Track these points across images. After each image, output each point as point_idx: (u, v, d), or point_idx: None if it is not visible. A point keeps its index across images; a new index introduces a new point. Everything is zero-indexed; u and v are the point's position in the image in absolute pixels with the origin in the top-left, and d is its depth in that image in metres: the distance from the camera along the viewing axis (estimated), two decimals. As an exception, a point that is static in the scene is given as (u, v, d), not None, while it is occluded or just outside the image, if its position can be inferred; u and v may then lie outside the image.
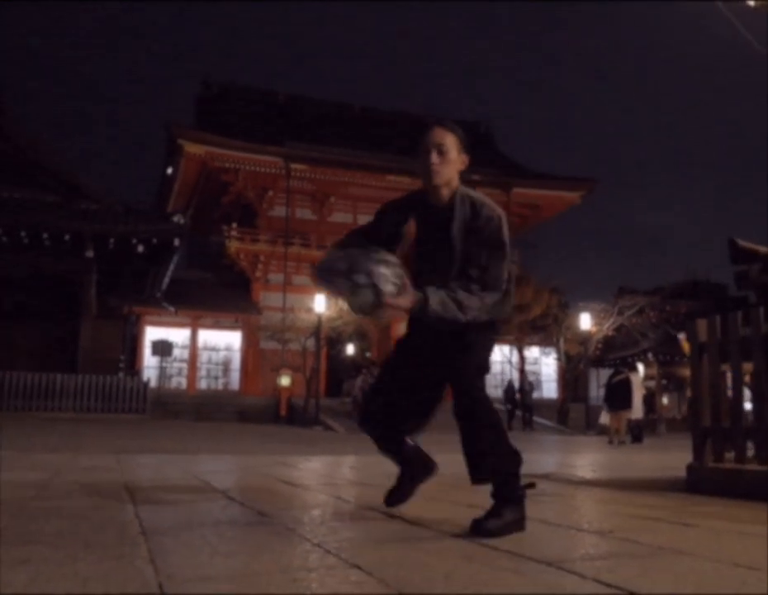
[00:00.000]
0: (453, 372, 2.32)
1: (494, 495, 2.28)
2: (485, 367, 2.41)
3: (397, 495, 2.64)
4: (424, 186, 2.40)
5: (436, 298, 2.21)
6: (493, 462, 2.29)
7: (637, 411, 13.94)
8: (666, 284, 32.24)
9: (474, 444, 2.30)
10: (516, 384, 23.42)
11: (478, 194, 2.40)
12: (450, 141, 2.35)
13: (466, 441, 2.31)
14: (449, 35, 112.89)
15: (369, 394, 2.64)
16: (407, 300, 2.19)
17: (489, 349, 2.45)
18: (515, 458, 2.32)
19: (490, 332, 2.42)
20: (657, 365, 29.01)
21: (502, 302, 2.35)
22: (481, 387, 2.35)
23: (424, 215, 2.39)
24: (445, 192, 2.36)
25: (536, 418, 22.43)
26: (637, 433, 14.00)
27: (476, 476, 2.33)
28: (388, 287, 2.13)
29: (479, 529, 2.15)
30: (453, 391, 2.32)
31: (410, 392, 2.45)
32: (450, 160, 2.34)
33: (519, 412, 22.04)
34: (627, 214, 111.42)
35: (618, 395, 13.45)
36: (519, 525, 2.24)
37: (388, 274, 2.13)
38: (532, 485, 2.39)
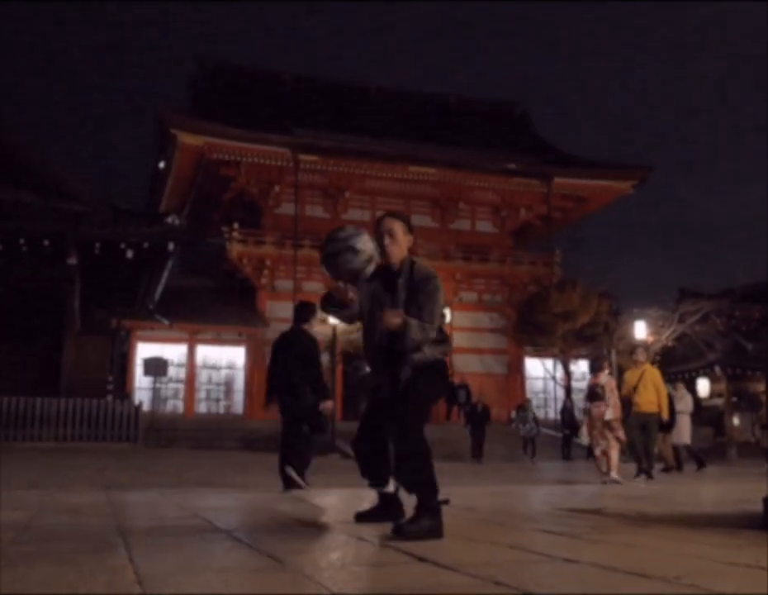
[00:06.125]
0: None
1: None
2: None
3: (367, 517, 3.77)
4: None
5: (414, 321, 3.38)
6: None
7: (684, 434, 13.67)
8: (735, 286, 31.85)
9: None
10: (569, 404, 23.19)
11: (418, 260, 3.69)
12: (397, 226, 3.61)
13: None
14: (479, 6, 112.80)
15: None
16: (399, 316, 3.34)
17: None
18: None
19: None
20: (726, 380, 28.54)
21: (441, 340, 3.57)
22: None
23: (383, 276, 3.61)
24: (395, 260, 3.61)
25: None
26: (700, 459, 13.87)
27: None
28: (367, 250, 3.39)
29: (398, 532, 3.15)
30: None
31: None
32: (398, 241, 3.59)
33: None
34: (689, 203, 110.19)
35: None
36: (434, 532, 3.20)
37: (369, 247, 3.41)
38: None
